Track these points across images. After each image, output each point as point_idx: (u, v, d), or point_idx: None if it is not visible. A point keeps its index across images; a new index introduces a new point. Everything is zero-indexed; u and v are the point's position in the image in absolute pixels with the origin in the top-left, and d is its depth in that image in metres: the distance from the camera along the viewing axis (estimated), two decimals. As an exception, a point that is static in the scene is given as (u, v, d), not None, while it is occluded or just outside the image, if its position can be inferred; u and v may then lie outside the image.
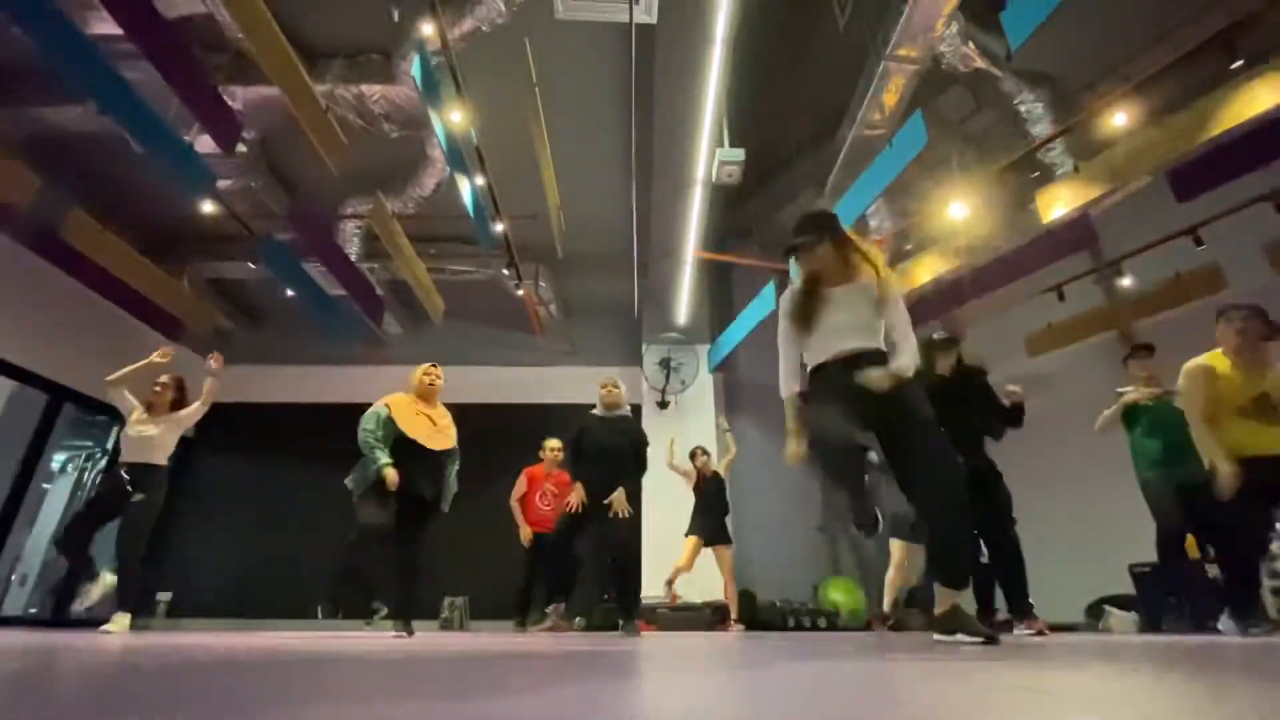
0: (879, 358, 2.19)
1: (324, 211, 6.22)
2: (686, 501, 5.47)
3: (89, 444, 7.22)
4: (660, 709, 0.67)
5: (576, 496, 3.86)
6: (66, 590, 6.27)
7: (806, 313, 2.28)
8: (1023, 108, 5.03)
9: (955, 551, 2.13)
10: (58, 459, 7.11)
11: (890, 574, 4.86)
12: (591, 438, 4.00)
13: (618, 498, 3.82)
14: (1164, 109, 4.64)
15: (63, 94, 4.75)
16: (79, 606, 4.11)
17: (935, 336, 3.76)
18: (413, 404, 3.65)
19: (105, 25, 3.81)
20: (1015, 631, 3.22)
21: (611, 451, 3.93)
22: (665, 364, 7.47)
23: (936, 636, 2.22)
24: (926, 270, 6.12)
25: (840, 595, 6.45)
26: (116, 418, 6.80)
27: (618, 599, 4.06)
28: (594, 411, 4.14)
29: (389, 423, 3.48)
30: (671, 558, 5.38)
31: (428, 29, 4.07)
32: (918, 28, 4.26)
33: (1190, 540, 4.88)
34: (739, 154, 4.74)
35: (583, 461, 3.98)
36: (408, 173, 5.83)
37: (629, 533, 3.95)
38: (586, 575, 4.79)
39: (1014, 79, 4.95)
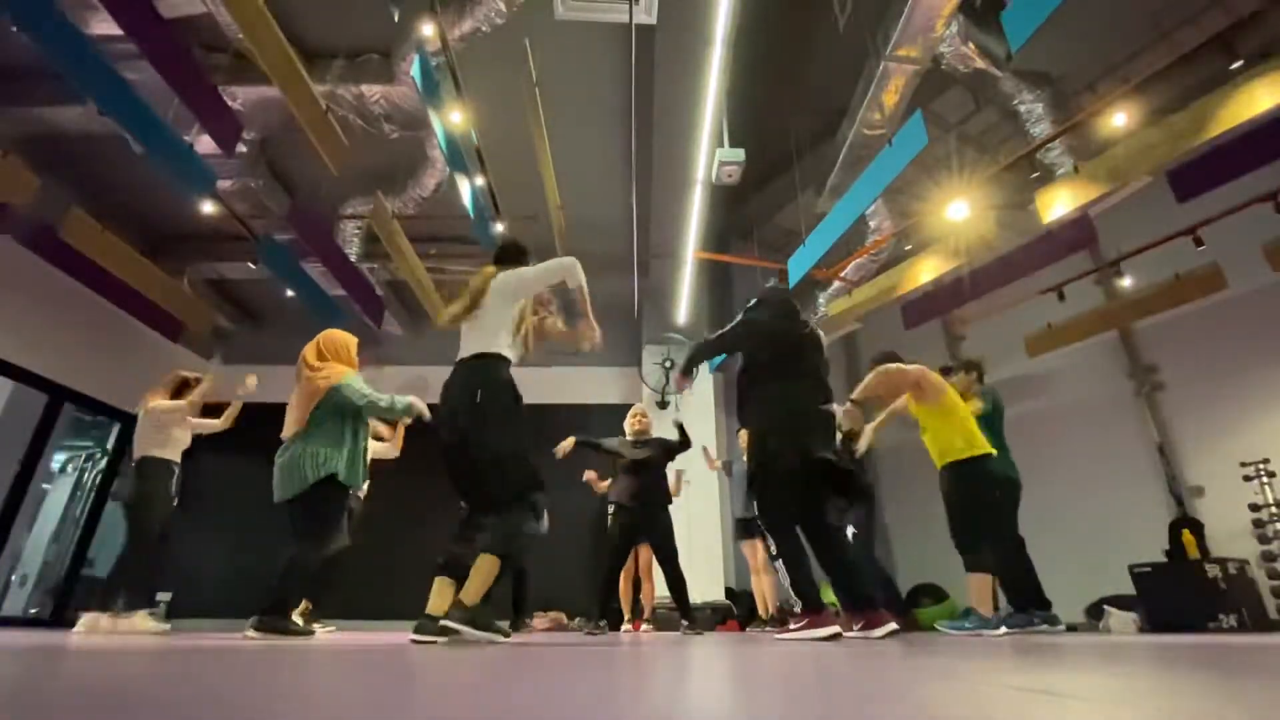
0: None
1: (324, 211, 6.22)
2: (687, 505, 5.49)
3: (89, 444, 7.22)
4: (659, 708, 0.67)
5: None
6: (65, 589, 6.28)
7: None
8: (1023, 108, 5.03)
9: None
10: (58, 459, 7.12)
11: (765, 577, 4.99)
12: (616, 455, 4.44)
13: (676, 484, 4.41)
14: (1164, 109, 4.65)
15: (63, 94, 4.75)
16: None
17: None
18: None
19: (105, 25, 3.81)
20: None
21: (641, 462, 4.36)
22: (665, 364, 7.47)
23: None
24: (926, 270, 6.12)
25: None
26: (116, 417, 6.83)
27: (676, 604, 4.43)
28: (624, 439, 4.59)
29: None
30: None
31: (428, 29, 4.08)
32: (918, 28, 4.26)
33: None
34: (739, 154, 4.73)
35: (617, 480, 4.41)
36: (408, 173, 5.82)
37: (667, 540, 4.33)
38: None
39: (1014, 79, 4.96)
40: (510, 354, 2.55)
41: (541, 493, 2.40)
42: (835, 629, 2.40)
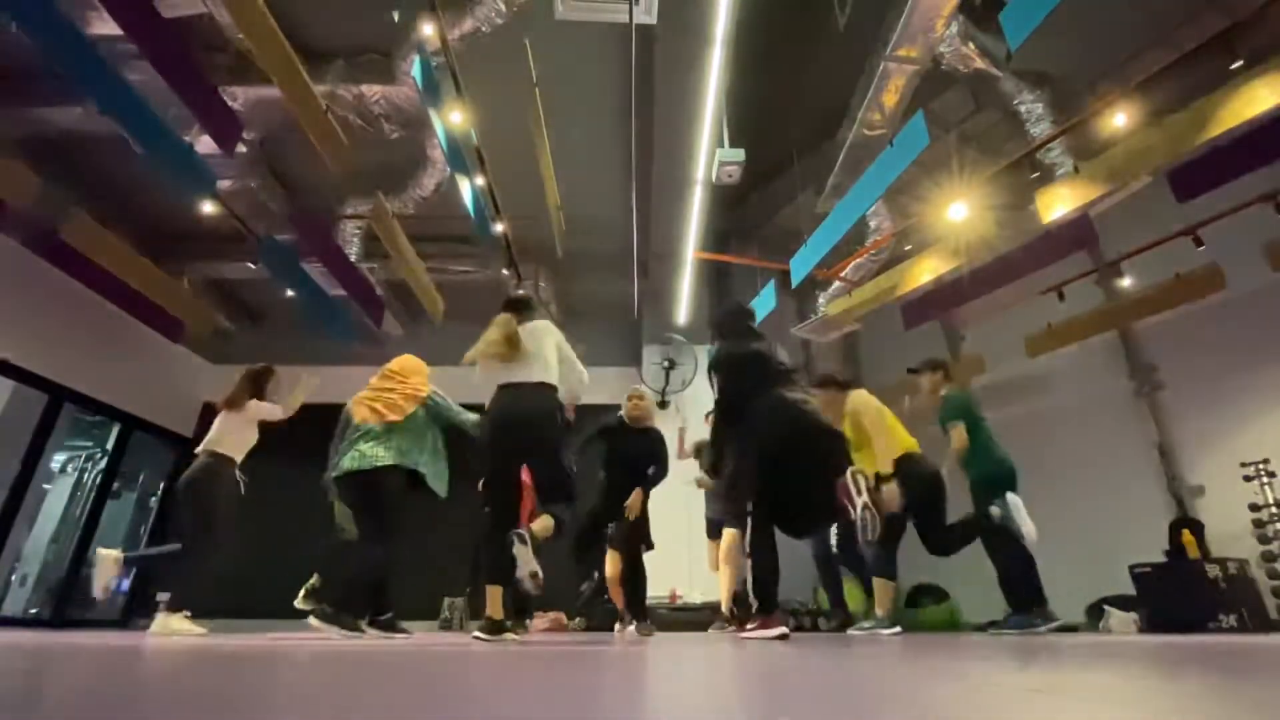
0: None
1: (324, 211, 6.22)
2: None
3: (89, 444, 7.21)
4: (661, 709, 0.67)
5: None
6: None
7: None
8: (1023, 108, 5.03)
9: None
10: (58, 459, 7.11)
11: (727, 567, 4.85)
12: (615, 444, 4.22)
13: (634, 500, 4.04)
14: (1164, 109, 4.64)
15: (63, 94, 4.74)
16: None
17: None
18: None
19: (105, 25, 3.81)
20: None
21: (632, 459, 4.16)
22: (665, 364, 7.47)
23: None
24: (926, 270, 6.12)
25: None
26: (116, 418, 6.82)
27: (628, 601, 4.23)
28: (621, 415, 4.31)
29: None
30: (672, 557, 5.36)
31: (428, 29, 4.08)
32: (918, 28, 4.26)
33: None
34: (739, 154, 4.74)
35: (608, 468, 4.22)
36: (408, 173, 5.82)
37: (630, 539, 4.15)
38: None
39: (1014, 79, 4.95)
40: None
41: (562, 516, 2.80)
42: (783, 630, 2.55)
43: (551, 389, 2.89)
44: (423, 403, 3.33)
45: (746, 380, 2.93)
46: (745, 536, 2.77)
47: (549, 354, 2.96)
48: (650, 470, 4.18)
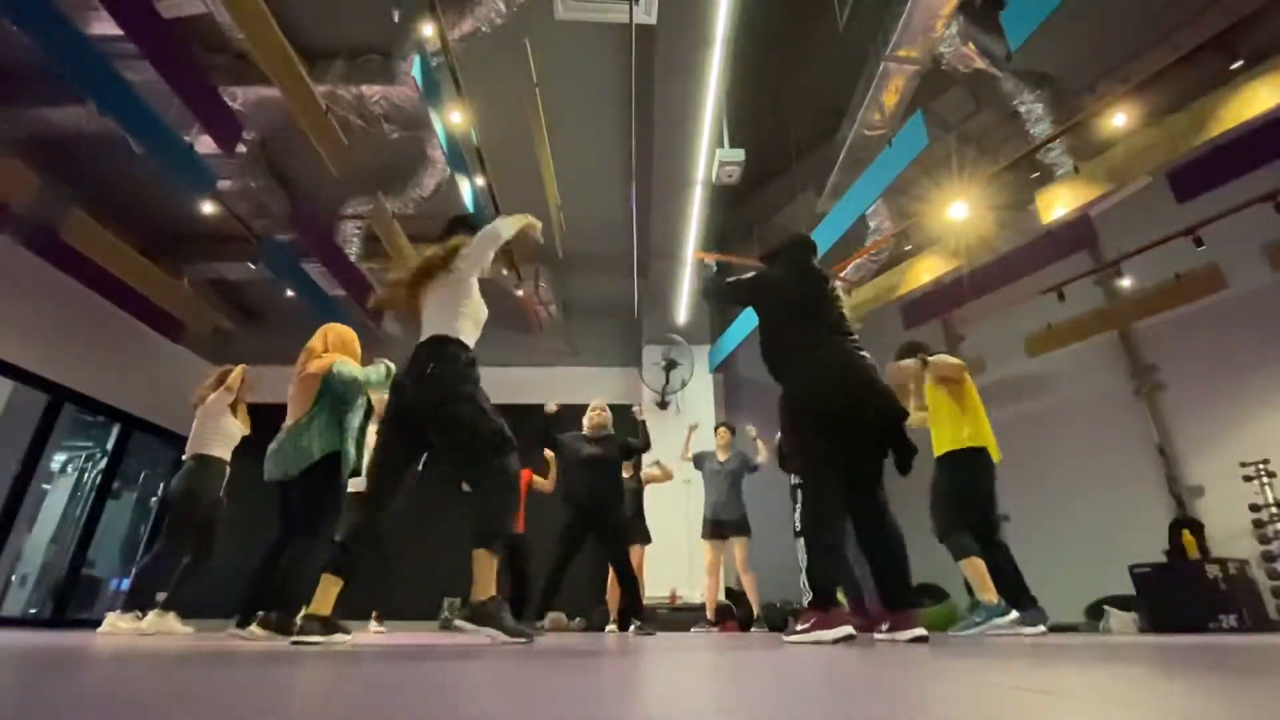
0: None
1: (324, 212, 6.22)
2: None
3: (89, 444, 7.21)
4: (658, 710, 0.67)
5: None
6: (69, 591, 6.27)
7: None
8: (1023, 108, 5.03)
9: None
10: (58, 459, 7.11)
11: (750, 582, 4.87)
12: (571, 449, 4.20)
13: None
14: (1164, 109, 4.64)
15: (63, 94, 4.75)
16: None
17: None
18: None
19: (105, 25, 3.81)
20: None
21: (592, 460, 4.13)
22: (665, 364, 7.48)
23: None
24: (926, 270, 6.12)
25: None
26: (116, 418, 6.82)
27: (626, 602, 4.24)
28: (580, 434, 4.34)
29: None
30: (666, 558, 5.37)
31: (428, 29, 4.08)
32: (918, 28, 4.26)
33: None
34: (739, 154, 4.74)
35: (569, 476, 4.20)
36: (408, 173, 5.82)
37: (617, 539, 4.12)
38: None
39: (1014, 79, 4.95)
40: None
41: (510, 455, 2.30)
42: (847, 630, 2.11)
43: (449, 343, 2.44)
44: (319, 385, 2.96)
45: (803, 316, 2.49)
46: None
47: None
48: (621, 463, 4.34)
